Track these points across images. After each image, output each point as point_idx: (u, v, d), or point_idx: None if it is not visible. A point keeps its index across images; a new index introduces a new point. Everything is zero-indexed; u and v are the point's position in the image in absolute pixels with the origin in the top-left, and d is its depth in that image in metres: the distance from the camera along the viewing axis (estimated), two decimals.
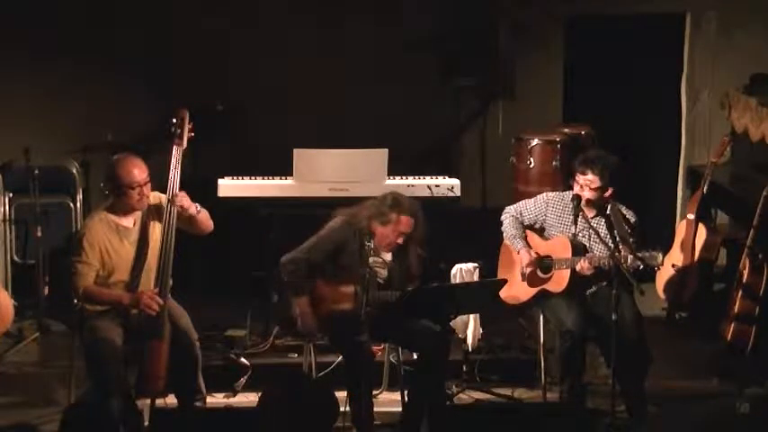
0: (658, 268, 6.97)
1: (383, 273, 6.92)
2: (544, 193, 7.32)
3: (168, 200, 6.63)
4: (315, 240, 6.87)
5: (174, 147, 6.70)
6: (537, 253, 7.12)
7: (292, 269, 6.80)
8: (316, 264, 6.82)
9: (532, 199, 7.30)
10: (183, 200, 6.64)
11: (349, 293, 6.78)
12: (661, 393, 7.21)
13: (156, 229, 6.68)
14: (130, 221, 6.68)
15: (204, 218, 6.78)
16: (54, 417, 6.96)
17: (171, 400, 6.75)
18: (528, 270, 7.12)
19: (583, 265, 6.94)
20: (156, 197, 6.72)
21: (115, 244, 6.62)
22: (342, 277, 6.82)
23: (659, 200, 9.77)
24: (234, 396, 7.37)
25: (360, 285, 6.67)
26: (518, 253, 7.16)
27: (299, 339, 7.43)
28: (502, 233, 7.31)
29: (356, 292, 6.73)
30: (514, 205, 7.33)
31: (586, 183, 7.01)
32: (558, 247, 7.10)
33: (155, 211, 6.71)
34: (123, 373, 6.48)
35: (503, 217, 7.30)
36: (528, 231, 7.25)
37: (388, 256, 6.94)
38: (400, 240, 6.85)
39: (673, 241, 8.15)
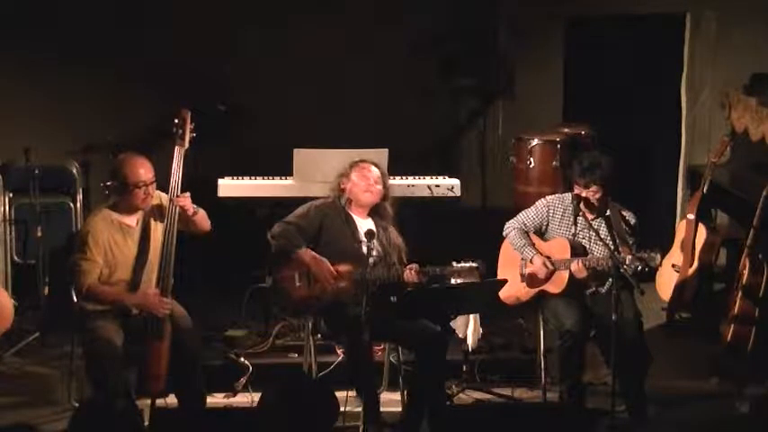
0: (656, 269, 6.97)
1: (373, 252, 6.93)
2: (543, 198, 7.31)
3: (170, 200, 6.64)
4: (300, 210, 7.07)
5: (176, 147, 6.72)
6: (551, 262, 7.10)
7: (282, 235, 6.95)
8: (306, 234, 6.97)
9: (532, 207, 7.28)
10: (186, 201, 6.65)
11: (347, 271, 6.85)
12: (661, 393, 7.21)
13: (157, 229, 6.69)
14: (133, 220, 6.70)
15: (201, 218, 6.79)
16: (54, 417, 6.97)
17: (171, 400, 6.75)
18: (543, 275, 7.10)
19: (577, 268, 6.94)
20: (157, 196, 6.73)
21: (119, 242, 6.63)
22: (332, 252, 6.90)
23: (659, 200, 9.77)
24: (234, 396, 7.37)
25: (346, 260, 6.78)
26: (531, 261, 7.12)
27: (299, 337, 7.43)
28: (502, 234, 7.31)
29: (351, 272, 6.81)
30: (515, 218, 7.28)
31: (589, 194, 7.02)
32: (558, 249, 7.10)
33: (156, 210, 6.73)
34: (123, 373, 6.49)
35: (506, 231, 7.26)
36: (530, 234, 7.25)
37: (369, 222, 6.97)
38: (371, 183, 7.03)
39: (673, 241, 8.16)
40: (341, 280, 6.89)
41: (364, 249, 6.71)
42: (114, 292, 6.61)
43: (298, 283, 6.92)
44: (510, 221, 7.29)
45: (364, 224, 7.01)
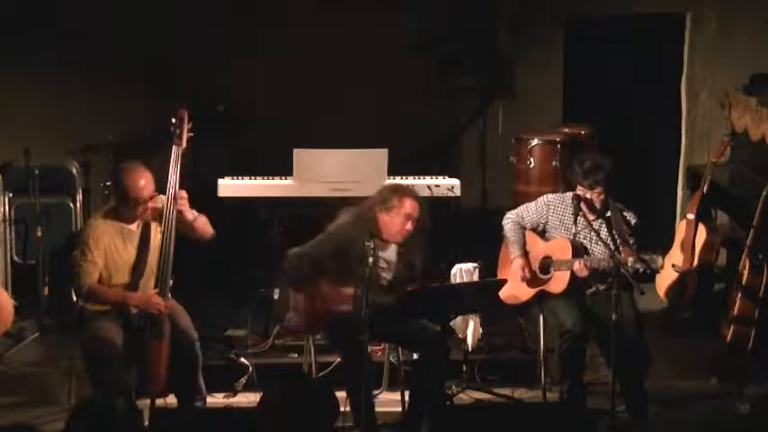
0: (658, 271, 6.98)
1: (386, 276, 6.90)
2: (544, 196, 7.31)
3: (167, 200, 6.63)
4: (323, 237, 6.84)
5: (174, 147, 6.71)
6: (530, 269, 7.13)
7: (297, 264, 6.77)
8: (322, 260, 6.77)
9: (533, 202, 7.30)
10: (183, 205, 6.63)
11: (348, 295, 6.76)
12: (661, 393, 7.21)
13: (157, 232, 6.68)
14: (134, 224, 6.69)
15: (201, 224, 6.76)
16: (54, 417, 6.97)
17: (171, 400, 6.75)
18: (519, 278, 7.13)
19: (579, 267, 6.95)
20: (157, 199, 6.71)
21: (119, 246, 6.63)
22: (345, 277, 6.79)
23: (659, 200, 9.77)
24: (234, 396, 7.37)
25: (360, 286, 6.65)
26: (513, 261, 7.17)
27: (299, 337, 7.42)
28: (502, 233, 7.32)
29: (356, 294, 6.71)
30: (516, 210, 7.31)
31: (593, 195, 7.02)
32: (558, 249, 7.10)
33: (157, 214, 6.71)
34: (123, 373, 6.49)
35: (504, 222, 7.29)
36: (529, 232, 7.25)
37: (391, 255, 6.92)
38: (408, 226, 6.77)
39: (673, 241, 8.16)
40: (344, 303, 6.80)
41: (368, 252, 6.64)
42: (115, 292, 6.61)
43: (303, 305, 6.86)
44: (510, 212, 7.32)
45: (386, 253, 6.90)
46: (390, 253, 6.92)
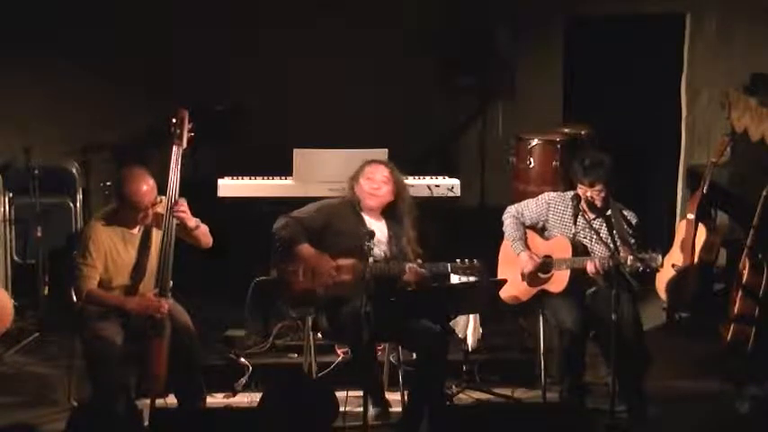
0: (658, 270, 6.98)
1: (380, 251, 6.93)
2: (545, 194, 7.32)
3: (168, 206, 6.61)
4: (311, 207, 7.04)
5: (174, 147, 6.71)
6: (537, 256, 7.13)
7: (284, 223, 6.93)
8: (311, 228, 6.93)
9: (534, 199, 7.30)
10: (183, 212, 6.61)
11: (347, 266, 6.80)
12: (661, 393, 7.21)
13: (158, 235, 6.68)
14: (135, 227, 6.68)
15: (201, 233, 6.76)
16: (54, 417, 6.97)
17: (171, 400, 6.75)
18: (528, 272, 7.13)
19: (590, 269, 6.93)
20: (160, 205, 6.69)
21: (120, 249, 6.63)
22: (337, 251, 6.87)
23: (659, 200, 9.77)
24: (234, 396, 7.37)
25: (357, 257, 6.74)
26: (518, 256, 7.16)
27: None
28: (502, 233, 7.32)
29: (355, 266, 6.78)
30: (516, 205, 7.33)
31: (594, 193, 7.02)
32: (558, 248, 7.10)
33: (159, 219, 6.69)
34: (123, 373, 6.49)
35: (504, 217, 7.31)
36: (528, 231, 7.25)
37: (382, 235, 6.95)
38: (374, 186, 6.98)
39: (673, 241, 8.16)
40: (342, 273, 6.85)
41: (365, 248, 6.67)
42: (113, 296, 6.61)
43: (301, 277, 6.89)
44: (510, 207, 7.34)
45: (376, 226, 6.97)
46: (381, 232, 6.99)
